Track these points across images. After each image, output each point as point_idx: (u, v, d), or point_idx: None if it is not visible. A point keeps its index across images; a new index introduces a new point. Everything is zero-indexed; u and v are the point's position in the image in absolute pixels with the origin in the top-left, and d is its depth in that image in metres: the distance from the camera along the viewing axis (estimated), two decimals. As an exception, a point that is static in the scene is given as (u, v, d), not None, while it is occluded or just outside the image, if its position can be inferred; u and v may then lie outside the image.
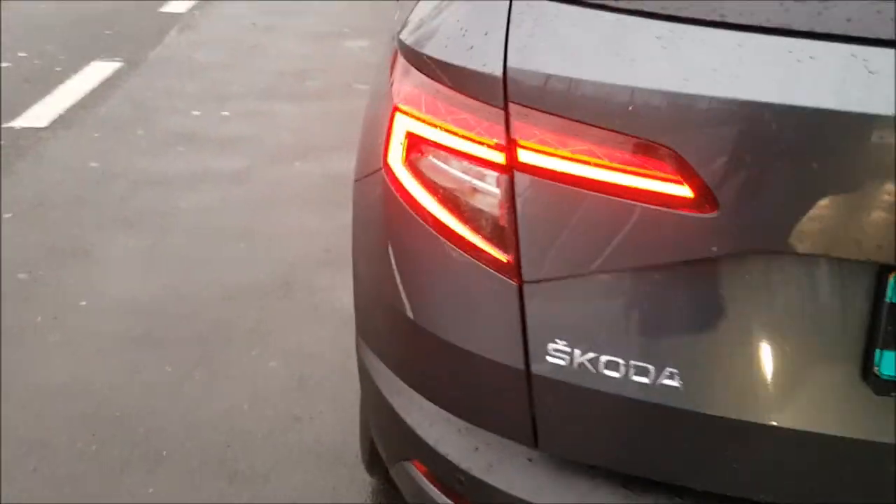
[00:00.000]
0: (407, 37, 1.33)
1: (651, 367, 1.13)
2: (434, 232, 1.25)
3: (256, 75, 5.11)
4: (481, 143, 1.16)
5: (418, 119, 1.24)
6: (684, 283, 1.11)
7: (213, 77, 5.03)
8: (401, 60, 1.33)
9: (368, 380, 1.52)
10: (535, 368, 1.17)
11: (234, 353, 2.65)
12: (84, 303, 2.84)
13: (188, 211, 3.47)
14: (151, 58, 5.35)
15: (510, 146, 1.13)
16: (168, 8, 6.45)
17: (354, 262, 1.62)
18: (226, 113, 4.51)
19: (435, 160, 1.24)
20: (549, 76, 1.09)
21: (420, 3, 1.48)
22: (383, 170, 1.36)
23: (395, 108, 1.28)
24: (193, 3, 6.60)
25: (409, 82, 1.28)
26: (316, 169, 3.91)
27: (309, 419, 2.39)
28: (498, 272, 1.18)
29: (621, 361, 1.13)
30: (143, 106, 4.54)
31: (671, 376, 1.12)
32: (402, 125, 1.27)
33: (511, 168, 1.14)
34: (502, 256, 1.17)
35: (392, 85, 1.36)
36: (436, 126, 1.21)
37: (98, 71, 5.05)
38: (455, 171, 1.22)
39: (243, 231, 3.34)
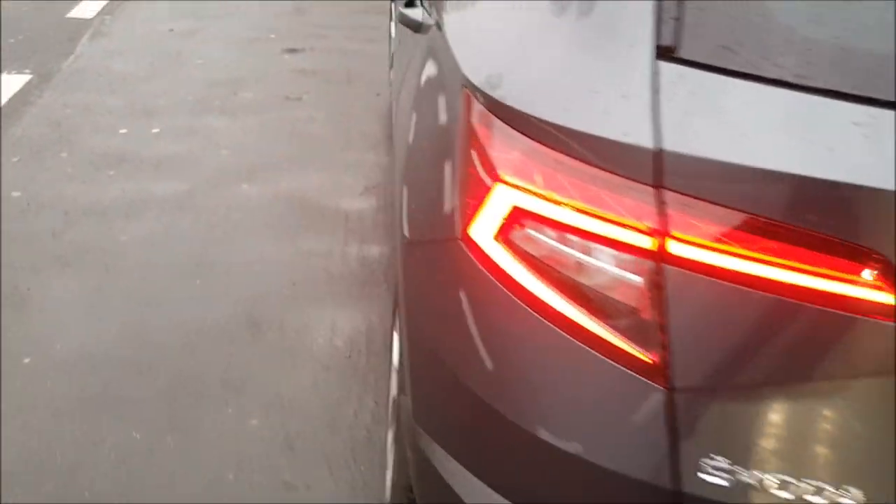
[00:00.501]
0: (495, 89, 1.11)
1: (830, 487, 0.95)
2: (547, 322, 1.04)
3: (183, 86, 4.76)
4: (624, 226, 0.96)
5: (533, 194, 1.03)
6: (873, 395, 0.94)
7: (135, 89, 4.66)
8: (493, 121, 1.11)
9: (433, 477, 1.30)
10: (689, 489, 0.98)
11: (208, 410, 2.38)
12: (28, 360, 2.51)
13: (131, 244, 3.14)
14: (64, 69, 4.93)
15: (661, 232, 0.94)
16: (75, 13, 5.99)
17: (413, 334, 1.39)
18: (156, 130, 4.17)
19: (551, 240, 1.04)
20: (717, 162, 0.90)
21: (476, 41, 1.27)
22: (462, 241, 1.15)
23: (498, 180, 1.06)
24: (102, 5, 6.15)
25: (513, 149, 1.06)
26: (265, 191, 3.63)
27: (305, 488, 2.14)
28: (639, 374, 0.98)
29: (794, 481, 0.95)
30: (63, 124, 4.15)
31: (852, 496, 0.95)
32: (507, 199, 1.06)
33: (661, 257, 0.95)
34: (645, 357, 0.98)
35: (474, 147, 1.14)
36: (560, 203, 1.00)
37: (6, 85, 4.62)
38: (579, 255, 1.02)
39: (196, 265, 3.05)
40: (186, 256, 3.09)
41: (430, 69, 1.54)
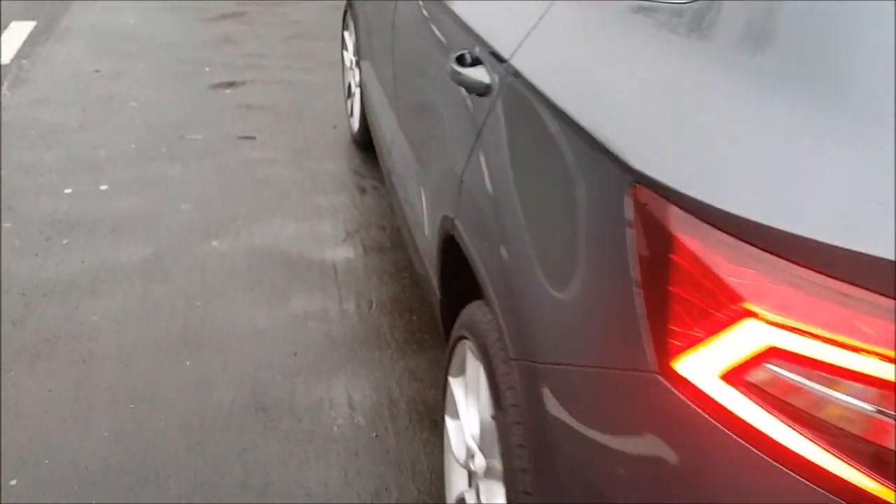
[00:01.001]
0: (704, 191, 0.89)
1: None
2: (793, 474, 0.84)
3: (123, 133, 4.39)
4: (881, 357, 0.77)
5: (792, 330, 0.82)
6: None
7: (72, 142, 4.28)
8: (714, 234, 0.89)
9: None
10: None
11: (235, 522, 2.09)
12: (14, 482, 2.18)
13: (105, 326, 2.81)
14: (-12, 124, 4.51)
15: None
16: (-12, 59, 5.54)
17: (561, 467, 1.16)
18: (104, 186, 3.81)
19: (799, 377, 0.83)
20: None
21: (632, 116, 1.05)
22: (661, 376, 0.92)
23: (745, 312, 0.85)
24: (16, 48, 5.69)
25: (768, 274, 0.84)
26: (238, 246, 3.33)
27: None
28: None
29: None
30: (1, 189, 3.76)
31: None
32: (757, 336, 0.84)
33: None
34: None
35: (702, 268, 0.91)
36: (818, 338, 0.80)
37: (-75, 147, 4.19)
38: (835, 394, 0.82)
39: (182, 343, 2.74)
40: (169, 334, 2.78)
41: (531, 151, 1.31)
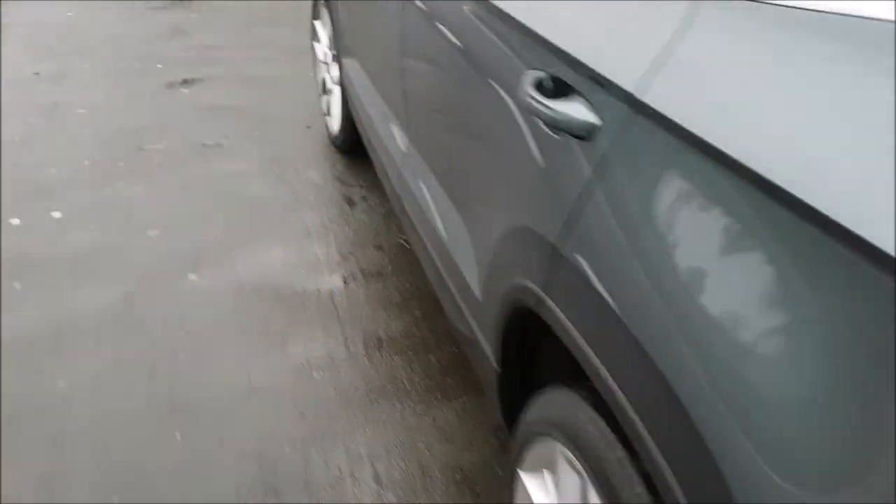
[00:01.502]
0: None
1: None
2: None
3: (74, 148, 3.92)
4: None
5: None
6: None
7: (17, 160, 3.80)
8: None
9: None
10: None
11: None
12: None
13: (76, 394, 2.40)
14: (-83, 144, 4.00)
15: None
16: (-89, 66, 4.99)
17: None
18: (57, 214, 3.36)
19: None
20: None
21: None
22: None
23: None
24: (-58, 53, 5.15)
25: None
26: (220, 282, 2.92)
27: None
28: None
29: None
30: (-64, 223, 3.29)
31: None
32: None
33: None
34: None
35: None
36: None
37: None
38: None
39: (169, 409, 2.34)
40: (153, 400, 2.37)
41: (709, 225, 0.93)
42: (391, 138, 2.58)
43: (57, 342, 2.60)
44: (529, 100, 1.23)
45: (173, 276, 2.94)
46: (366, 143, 3.08)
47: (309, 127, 4.18)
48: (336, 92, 3.70)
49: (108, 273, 2.96)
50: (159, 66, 5.02)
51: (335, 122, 3.81)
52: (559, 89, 1.22)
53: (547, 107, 1.18)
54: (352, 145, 3.65)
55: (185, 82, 4.77)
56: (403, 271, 2.97)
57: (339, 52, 3.41)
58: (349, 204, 3.45)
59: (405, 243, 3.10)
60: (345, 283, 2.91)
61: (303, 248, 3.11)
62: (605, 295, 1.07)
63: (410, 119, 2.31)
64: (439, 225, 2.02)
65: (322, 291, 2.86)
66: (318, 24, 3.93)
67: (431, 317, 2.73)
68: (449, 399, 2.41)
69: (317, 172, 3.70)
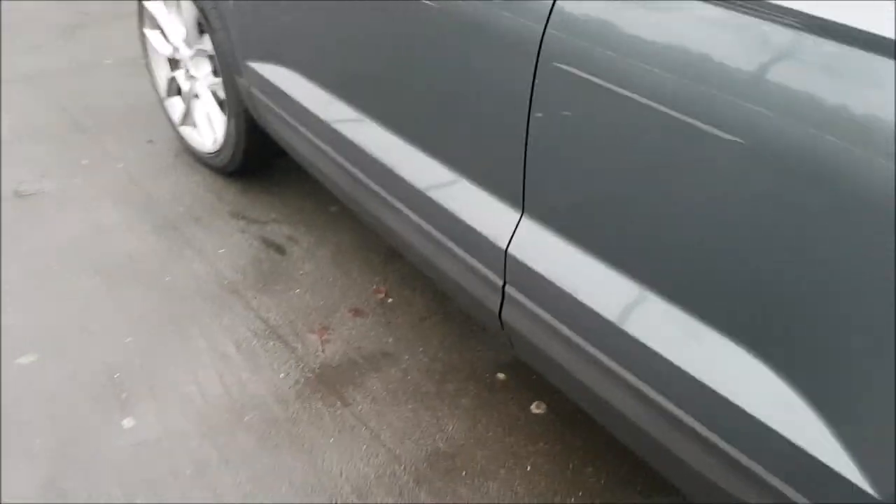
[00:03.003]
0: None
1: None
2: None
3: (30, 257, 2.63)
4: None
5: None
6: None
7: None
8: None
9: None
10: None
11: None
12: None
13: None
14: None
15: None
16: None
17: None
18: None
19: None
20: None
21: None
22: None
23: None
24: None
25: None
26: (152, 432, 1.96)
27: None
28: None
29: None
30: None
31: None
32: None
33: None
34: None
35: None
36: None
37: None
38: None
39: None
40: None
41: None
42: (366, 139, 1.81)
43: None
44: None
45: (100, 428, 1.93)
46: (311, 158, 2.18)
47: (150, 141, 3.12)
48: (207, 97, 2.71)
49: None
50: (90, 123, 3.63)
51: (206, 137, 2.82)
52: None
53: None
54: (246, 164, 2.71)
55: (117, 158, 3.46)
56: (414, 398, 2.17)
57: (243, 56, 2.38)
58: (280, 253, 2.53)
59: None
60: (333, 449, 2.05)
61: (245, 374, 2.19)
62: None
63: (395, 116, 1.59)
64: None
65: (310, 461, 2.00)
66: (155, 5, 2.83)
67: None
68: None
69: (205, 212, 2.71)
